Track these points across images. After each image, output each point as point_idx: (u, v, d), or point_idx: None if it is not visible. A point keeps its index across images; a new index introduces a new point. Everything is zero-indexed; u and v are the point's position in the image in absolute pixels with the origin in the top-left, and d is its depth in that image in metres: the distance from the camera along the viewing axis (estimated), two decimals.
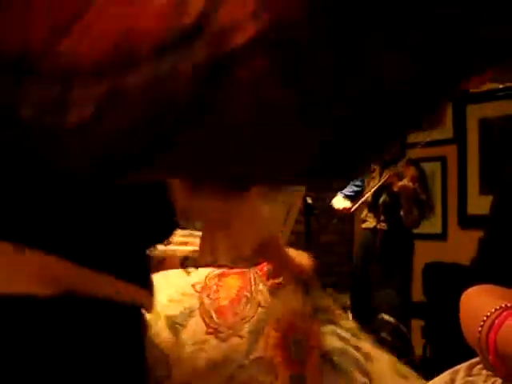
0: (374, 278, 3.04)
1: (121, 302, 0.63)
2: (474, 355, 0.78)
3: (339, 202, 3.21)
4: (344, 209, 3.17)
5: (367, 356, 0.96)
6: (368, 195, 3.10)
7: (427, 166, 3.37)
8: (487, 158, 3.71)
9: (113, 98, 0.29)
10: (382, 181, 3.02)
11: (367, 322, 3.03)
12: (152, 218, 0.67)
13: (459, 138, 3.87)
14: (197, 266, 1.02)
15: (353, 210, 3.16)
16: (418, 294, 3.26)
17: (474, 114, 3.79)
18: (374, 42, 0.26)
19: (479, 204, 3.69)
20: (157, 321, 0.91)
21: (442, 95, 0.31)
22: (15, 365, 0.57)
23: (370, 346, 1.01)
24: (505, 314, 0.66)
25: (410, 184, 2.84)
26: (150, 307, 0.63)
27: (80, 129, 0.30)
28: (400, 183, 2.86)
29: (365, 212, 3.22)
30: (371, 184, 3.15)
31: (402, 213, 2.93)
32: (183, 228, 1.03)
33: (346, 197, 3.26)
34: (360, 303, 3.14)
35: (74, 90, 0.29)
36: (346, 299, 3.44)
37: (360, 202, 3.12)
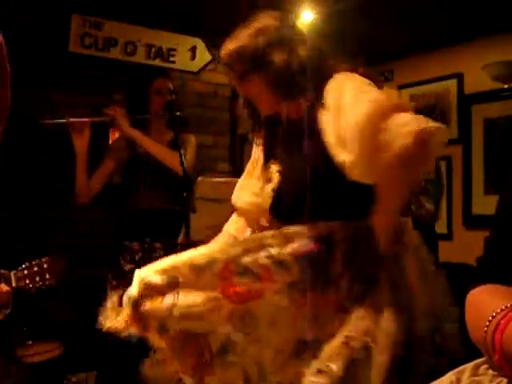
0: None
1: None
2: (479, 356, 0.78)
3: None
4: None
5: None
6: None
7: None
8: (492, 157, 3.70)
9: None
10: None
11: None
12: None
13: (464, 138, 3.85)
14: None
15: None
16: None
17: (479, 113, 3.78)
18: None
19: (484, 204, 3.68)
20: None
21: None
22: None
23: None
24: (510, 314, 0.66)
25: None
26: None
27: None
28: None
29: None
30: None
31: (413, 207, 2.90)
32: None
33: None
34: None
35: None
36: None
37: None
